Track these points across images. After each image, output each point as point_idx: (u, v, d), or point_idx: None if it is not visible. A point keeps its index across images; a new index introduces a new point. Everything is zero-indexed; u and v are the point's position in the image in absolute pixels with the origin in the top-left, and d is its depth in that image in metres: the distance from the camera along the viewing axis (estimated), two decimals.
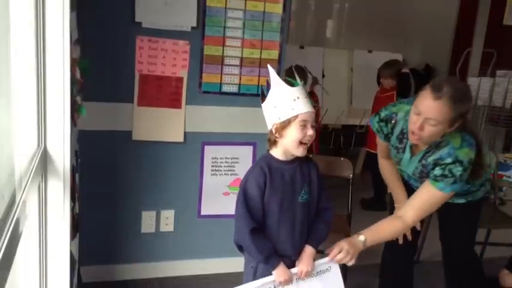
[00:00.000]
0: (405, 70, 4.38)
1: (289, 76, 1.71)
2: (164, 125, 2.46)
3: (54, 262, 1.57)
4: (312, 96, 3.41)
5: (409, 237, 2.17)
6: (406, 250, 2.27)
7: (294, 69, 3.51)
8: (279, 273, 1.65)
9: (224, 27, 2.45)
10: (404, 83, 4.21)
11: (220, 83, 2.52)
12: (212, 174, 2.61)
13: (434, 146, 1.89)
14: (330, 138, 5.15)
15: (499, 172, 3.48)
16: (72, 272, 1.76)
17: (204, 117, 2.52)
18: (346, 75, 4.83)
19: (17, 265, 1.42)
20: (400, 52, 4.97)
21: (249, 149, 2.64)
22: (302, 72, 3.70)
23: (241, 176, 1.77)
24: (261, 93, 1.72)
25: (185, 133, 2.50)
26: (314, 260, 1.72)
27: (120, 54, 2.33)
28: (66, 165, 1.54)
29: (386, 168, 2.23)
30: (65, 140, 1.53)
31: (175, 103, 2.45)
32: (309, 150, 1.72)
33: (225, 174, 2.63)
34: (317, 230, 1.74)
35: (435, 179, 1.85)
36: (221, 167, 2.62)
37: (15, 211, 1.11)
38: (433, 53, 5.76)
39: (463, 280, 2.29)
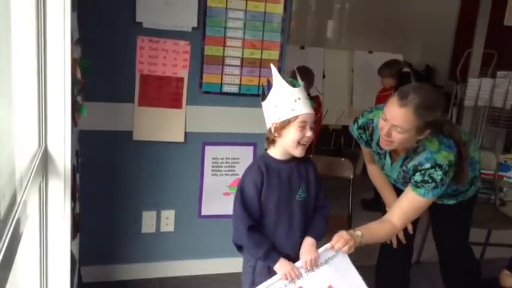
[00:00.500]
0: (406, 69, 4.37)
1: (293, 77, 1.71)
2: (165, 125, 2.46)
3: (54, 262, 1.57)
4: (315, 100, 3.44)
5: (403, 241, 2.17)
6: (401, 254, 2.27)
7: (296, 70, 3.51)
8: (281, 266, 1.63)
9: (225, 28, 2.45)
10: (405, 82, 4.21)
11: (221, 83, 2.52)
12: (212, 175, 2.61)
13: (412, 151, 1.88)
14: (331, 139, 5.15)
15: (500, 173, 3.47)
16: (72, 272, 1.76)
17: (204, 118, 2.52)
18: (346, 76, 4.82)
19: (17, 265, 1.42)
20: (400, 53, 4.96)
21: (249, 149, 2.64)
22: (308, 73, 3.70)
23: None
24: (261, 92, 1.72)
25: (186, 133, 2.50)
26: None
27: (120, 54, 2.34)
28: (66, 165, 1.54)
29: (374, 173, 2.23)
30: (66, 140, 1.53)
31: (175, 103, 2.45)
32: (308, 150, 1.73)
33: (225, 174, 2.63)
34: (316, 225, 1.74)
35: (416, 185, 1.84)
36: (221, 167, 2.62)
37: (16, 211, 1.11)
38: (433, 54, 5.76)
39: (459, 280, 2.29)
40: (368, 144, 2.07)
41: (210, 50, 2.46)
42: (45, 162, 1.49)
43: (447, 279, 2.32)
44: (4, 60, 1.29)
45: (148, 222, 2.57)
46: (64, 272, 1.60)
